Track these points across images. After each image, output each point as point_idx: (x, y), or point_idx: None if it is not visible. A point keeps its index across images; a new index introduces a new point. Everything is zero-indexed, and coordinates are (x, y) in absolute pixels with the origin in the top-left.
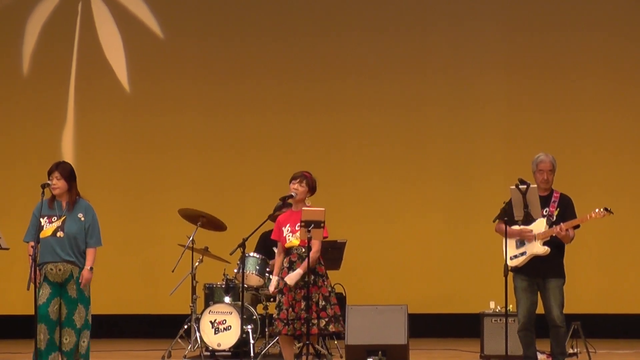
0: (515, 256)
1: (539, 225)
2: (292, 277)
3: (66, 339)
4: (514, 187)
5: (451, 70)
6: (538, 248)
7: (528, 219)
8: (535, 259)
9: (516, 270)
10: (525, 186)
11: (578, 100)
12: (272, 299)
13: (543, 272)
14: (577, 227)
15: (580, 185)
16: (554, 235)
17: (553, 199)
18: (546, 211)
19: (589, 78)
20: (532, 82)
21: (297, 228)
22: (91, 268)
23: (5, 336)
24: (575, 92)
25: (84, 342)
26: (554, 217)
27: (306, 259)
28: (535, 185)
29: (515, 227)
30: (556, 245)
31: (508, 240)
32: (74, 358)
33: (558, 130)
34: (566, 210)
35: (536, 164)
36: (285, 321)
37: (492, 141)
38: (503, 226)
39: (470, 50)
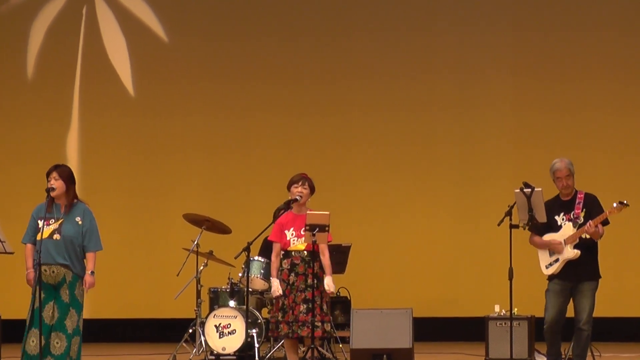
0: (550, 264)
1: (567, 230)
2: (331, 285)
3: (57, 343)
4: (518, 190)
5: (458, 72)
6: (569, 252)
7: (533, 222)
8: (569, 263)
9: (552, 276)
10: (529, 190)
11: (586, 102)
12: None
13: (577, 275)
14: (606, 223)
15: (588, 187)
16: (584, 236)
17: (578, 201)
18: (573, 214)
19: (596, 79)
20: (539, 84)
21: (302, 232)
22: (92, 272)
23: (9, 340)
24: (582, 94)
25: (75, 347)
26: (581, 219)
27: (326, 267)
28: (540, 189)
29: (546, 237)
30: (587, 247)
31: (542, 250)
32: None
33: (565, 132)
34: (592, 208)
35: (553, 172)
36: (289, 324)
37: (499, 143)
38: (536, 239)
39: (477, 51)
